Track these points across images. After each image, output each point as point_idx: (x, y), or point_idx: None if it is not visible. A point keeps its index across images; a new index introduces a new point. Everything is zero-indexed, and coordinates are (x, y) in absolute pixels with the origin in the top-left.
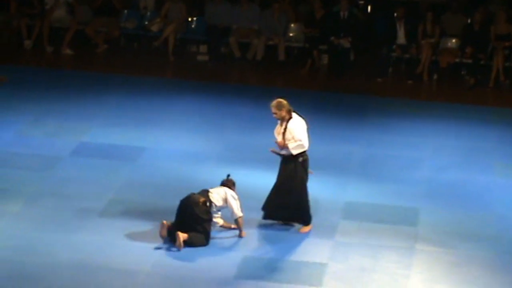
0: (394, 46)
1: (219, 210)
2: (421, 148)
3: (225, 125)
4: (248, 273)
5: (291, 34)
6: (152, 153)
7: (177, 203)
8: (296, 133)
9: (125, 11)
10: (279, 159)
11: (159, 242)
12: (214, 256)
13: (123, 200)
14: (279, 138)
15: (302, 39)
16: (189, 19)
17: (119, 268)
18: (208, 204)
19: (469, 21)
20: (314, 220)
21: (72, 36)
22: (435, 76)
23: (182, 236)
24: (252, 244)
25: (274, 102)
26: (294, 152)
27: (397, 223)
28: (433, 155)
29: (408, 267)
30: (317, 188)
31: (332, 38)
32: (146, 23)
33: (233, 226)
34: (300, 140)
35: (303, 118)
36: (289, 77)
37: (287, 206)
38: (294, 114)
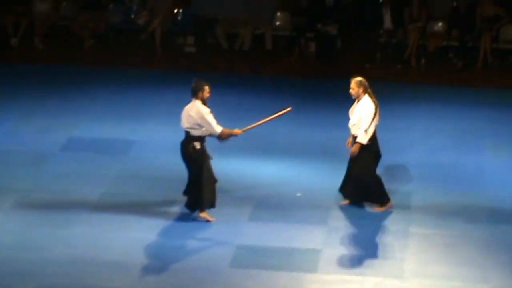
0: (381, 31)
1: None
2: (412, 131)
3: (215, 114)
4: (242, 261)
5: (277, 23)
6: (143, 146)
7: (169, 194)
8: (363, 116)
9: (111, 4)
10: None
11: (152, 234)
12: (208, 245)
13: (115, 193)
14: (352, 117)
15: (289, 27)
16: (176, 11)
17: (112, 261)
18: (194, 148)
19: (455, 4)
20: (308, 207)
21: (44, 29)
22: (423, 60)
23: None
24: (246, 232)
25: (356, 79)
26: (364, 142)
27: (390, 207)
28: (424, 138)
29: (403, 250)
30: (310, 175)
31: (319, 25)
32: (133, 16)
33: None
34: (364, 128)
35: (375, 102)
36: (277, 65)
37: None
38: (367, 96)
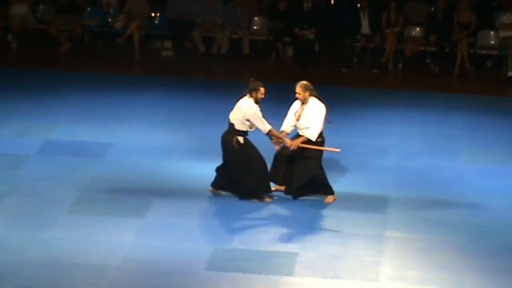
0: (358, 36)
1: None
2: (388, 136)
3: (192, 119)
4: (219, 264)
5: (255, 27)
6: (119, 149)
7: (145, 197)
8: (314, 115)
9: (88, 8)
10: None
11: (129, 236)
12: (184, 248)
13: (92, 196)
14: (296, 119)
15: (266, 32)
16: (153, 15)
17: (89, 263)
18: (237, 142)
19: (432, 9)
20: (286, 210)
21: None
22: (400, 65)
23: None
24: (223, 235)
25: (301, 83)
26: (313, 138)
27: (366, 211)
28: (400, 142)
29: (379, 254)
30: None
31: (296, 30)
32: (110, 20)
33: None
34: (315, 124)
35: (324, 103)
36: (254, 70)
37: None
38: (314, 98)
